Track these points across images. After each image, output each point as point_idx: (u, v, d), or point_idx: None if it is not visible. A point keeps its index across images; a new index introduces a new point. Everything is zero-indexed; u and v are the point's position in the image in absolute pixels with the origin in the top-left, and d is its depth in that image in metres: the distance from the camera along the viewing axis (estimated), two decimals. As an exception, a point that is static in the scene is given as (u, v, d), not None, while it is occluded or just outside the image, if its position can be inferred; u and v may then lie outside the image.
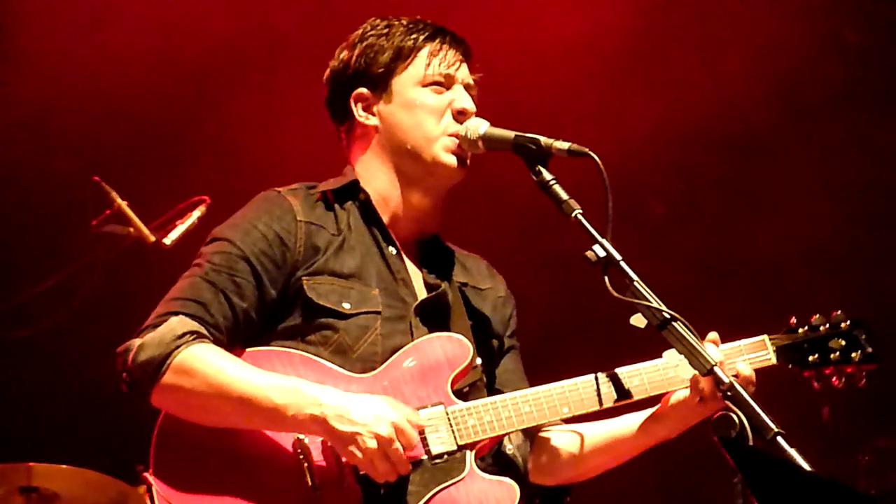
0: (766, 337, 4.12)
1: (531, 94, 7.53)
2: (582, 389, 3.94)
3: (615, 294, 3.59)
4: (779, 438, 3.25)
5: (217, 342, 3.81)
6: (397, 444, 3.68)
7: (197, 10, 7.41)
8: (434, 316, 4.04)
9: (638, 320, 3.62)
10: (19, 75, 7.37)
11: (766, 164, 7.82)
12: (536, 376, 4.10)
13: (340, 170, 4.19)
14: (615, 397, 3.95)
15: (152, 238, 6.28)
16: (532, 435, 4.16)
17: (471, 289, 4.23)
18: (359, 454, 3.67)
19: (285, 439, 3.78)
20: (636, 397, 3.96)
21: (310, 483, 3.73)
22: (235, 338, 3.86)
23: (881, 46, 7.65)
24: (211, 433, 3.76)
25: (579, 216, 3.72)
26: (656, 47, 7.69)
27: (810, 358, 4.12)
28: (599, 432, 4.10)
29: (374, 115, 4.12)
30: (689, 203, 7.91)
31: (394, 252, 4.07)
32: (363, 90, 4.13)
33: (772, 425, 3.27)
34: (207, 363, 3.73)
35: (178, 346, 3.74)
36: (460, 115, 4.06)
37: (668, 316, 3.56)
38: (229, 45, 7.46)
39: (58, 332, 7.09)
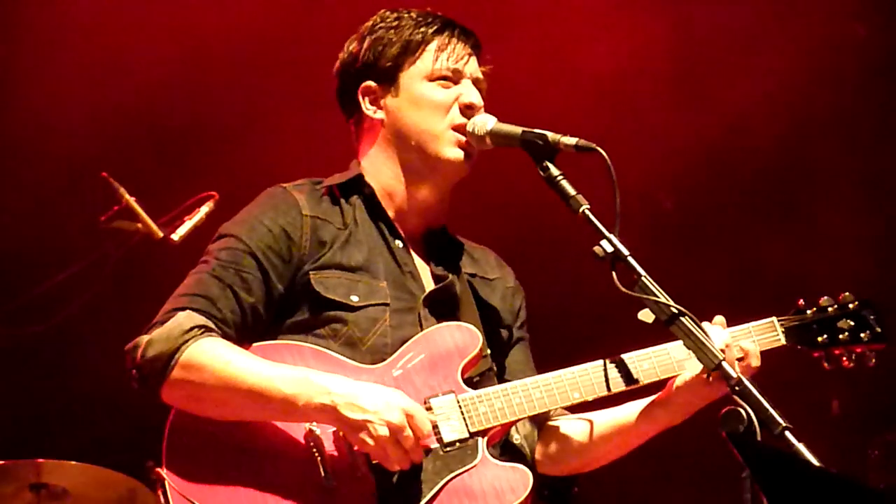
0: (774, 319, 4.12)
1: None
2: (592, 375, 3.94)
3: (623, 289, 3.60)
4: (787, 433, 3.25)
5: (225, 337, 3.82)
6: (409, 432, 3.69)
7: (204, 8, 7.41)
8: (443, 307, 4.05)
9: (646, 315, 3.63)
10: (27, 72, 7.39)
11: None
12: (547, 364, 4.11)
13: (347, 166, 4.19)
14: (625, 382, 3.95)
15: (160, 234, 6.29)
16: (539, 424, 4.17)
17: (479, 279, 4.24)
18: (370, 442, 3.68)
19: (297, 430, 3.78)
20: (645, 381, 3.97)
21: (323, 473, 3.73)
22: (244, 333, 3.88)
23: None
24: (222, 427, 3.77)
25: (587, 212, 3.72)
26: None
27: (819, 338, 4.13)
28: (605, 420, 4.10)
29: (381, 108, 4.13)
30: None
31: (400, 246, 4.08)
32: (371, 83, 4.14)
33: (780, 420, 3.27)
34: (216, 356, 3.75)
35: (186, 341, 3.76)
36: (467, 110, 4.06)
37: (675, 311, 3.56)
38: (237, 42, 7.46)
39: (67, 329, 7.10)
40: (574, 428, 4.15)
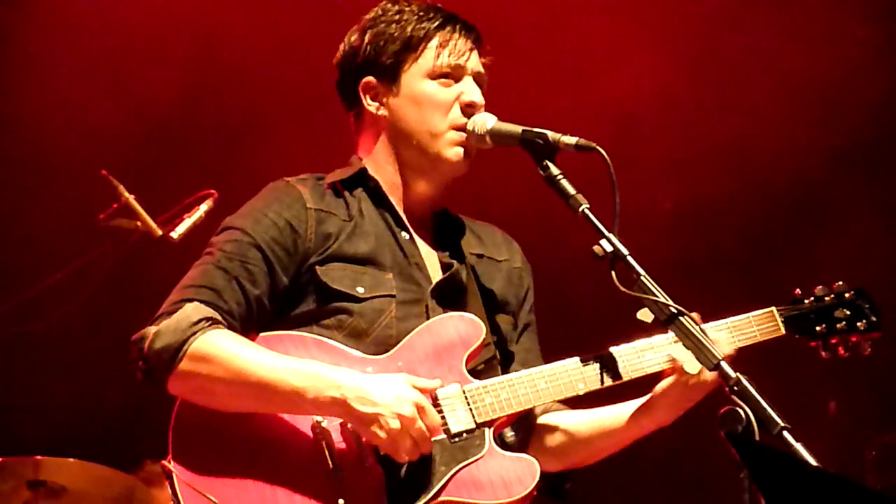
0: (774, 308, 4.14)
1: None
2: (597, 364, 3.95)
3: (622, 289, 3.59)
4: (785, 433, 3.25)
5: (231, 328, 3.82)
6: (420, 423, 3.70)
7: (203, 6, 7.41)
8: (450, 296, 4.06)
9: (645, 315, 3.62)
10: (28, 70, 7.39)
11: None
12: (550, 357, 4.12)
13: (346, 162, 4.19)
14: (630, 372, 3.96)
15: (160, 232, 6.29)
16: (532, 421, 4.17)
17: (486, 260, 4.24)
18: (382, 434, 3.68)
19: (303, 423, 3.79)
20: (650, 371, 3.97)
21: (331, 465, 3.73)
22: (248, 324, 3.87)
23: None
24: (228, 419, 3.77)
25: (587, 211, 3.72)
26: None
27: (818, 328, 4.16)
28: (598, 418, 4.11)
29: (382, 105, 4.13)
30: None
31: (406, 237, 4.08)
32: (372, 79, 4.13)
33: (778, 420, 3.27)
34: (224, 348, 3.74)
35: (194, 333, 3.75)
36: (469, 109, 4.06)
37: (674, 311, 3.56)
38: (236, 40, 7.47)
39: (66, 327, 7.11)
40: (567, 424, 4.16)
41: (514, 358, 4.16)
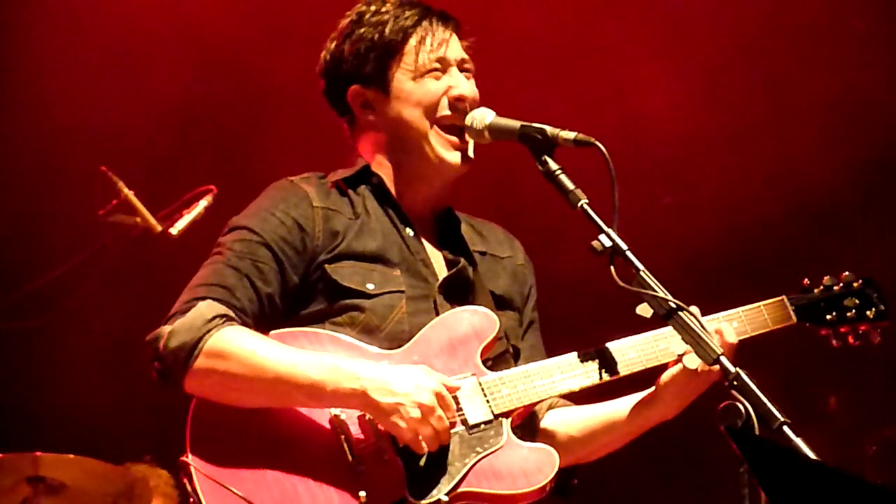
0: (784, 297, 4.16)
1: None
2: (612, 354, 3.96)
3: (621, 283, 3.59)
4: (785, 428, 3.25)
5: (244, 325, 3.82)
6: (440, 412, 3.71)
7: (206, 3, 7.42)
8: (457, 292, 4.06)
9: (644, 310, 3.62)
10: (27, 66, 7.39)
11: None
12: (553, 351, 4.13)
13: (347, 161, 4.19)
14: (646, 361, 3.97)
15: (159, 228, 6.30)
16: (535, 416, 4.17)
17: (490, 257, 4.24)
18: (403, 424, 3.69)
19: (320, 416, 3.79)
20: (664, 360, 3.97)
21: (350, 458, 3.74)
22: (260, 322, 3.87)
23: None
24: (245, 415, 3.77)
25: (585, 206, 3.71)
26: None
27: (828, 316, 4.18)
28: (600, 413, 4.12)
29: (372, 111, 4.11)
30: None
31: (411, 234, 4.08)
32: (358, 87, 4.12)
33: (778, 415, 3.27)
34: (240, 344, 3.74)
35: (209, 330, 3.74)
36: (458, 102, 4.05)
37: (673, 305, 3.56)
38: (234, 37, 7.47)
39: (65, 322, 7.10)
40: (572, 419, 4.17)
41: (521, 355, 4.16)
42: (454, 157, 4.06)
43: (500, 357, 4.04)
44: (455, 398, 3.82)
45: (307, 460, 3.74)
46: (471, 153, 4.08)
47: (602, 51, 7.64)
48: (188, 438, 3.74)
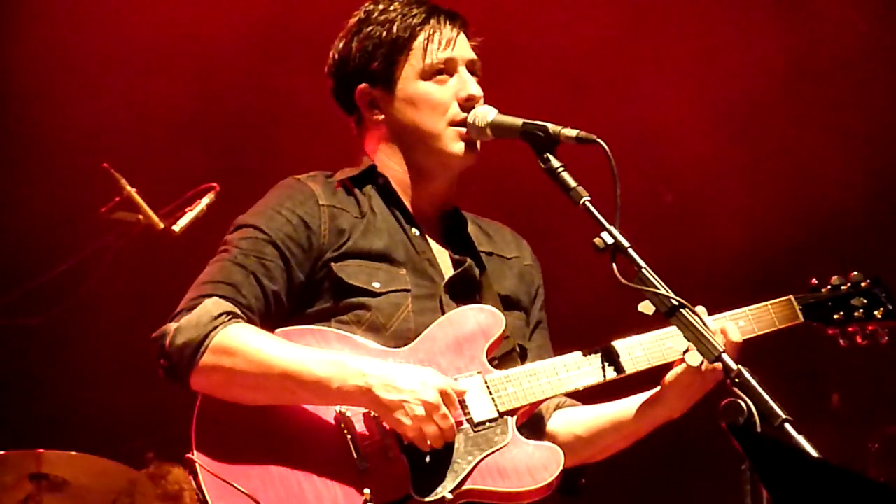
0: (792, 297, 4.16)
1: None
2: (618, 353, 3.97)
3: (623, 281, 3.59)
4: (787, 425, 3.24)
5: (250, 323, 3.82)
6: (444, 410, 3.71)
7: (206, 3, 7.43)
8: (463, 292, 4.06)
9: (646, 307, 3.62)
10: (29, 62, 7.39)
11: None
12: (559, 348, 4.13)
13: (352, 160, 4.19)
14: (651, 360, 3.98)
15: (161, 225, 6.29)
16: (542, 416, 4.17)
17: (496, 258, 4.24)
18: (407, 421, 3.69)
19: (326, 413, 3.79)
20: (670, 359, 3.98)
21: (355, 455, 3.74)
22: (266, 320, 3.87)
23: None
24: (250, 412, 3.77)
25: (587, 203, 3.71)
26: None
27: (835, 316, 4.19)
28: (609, 412, 4.12)
29: (380, 111, 4.11)
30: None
31: (417, 233, 4.08)
32: (366, 86, 4.12)
33: (780, 412, 3.27)
34: (247, 341, 3.75)
35: (215, 327, 3.75)
36: (467, 103, 4.05)
37: (675, 303, 3.56)
38: (236, 36, 7.47)
39: (67, 319, 7.11)
40: (579, 419, 4.17)
41: (528, 355, 4.16)
42: (459, 148, 4.05)
43: (506, 356, 4.04)
44: (460, 396, 3.82)
45: (312, 457, 3.74)
46: (477, 144, 4.08)
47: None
48: (194, 435, 3.75)
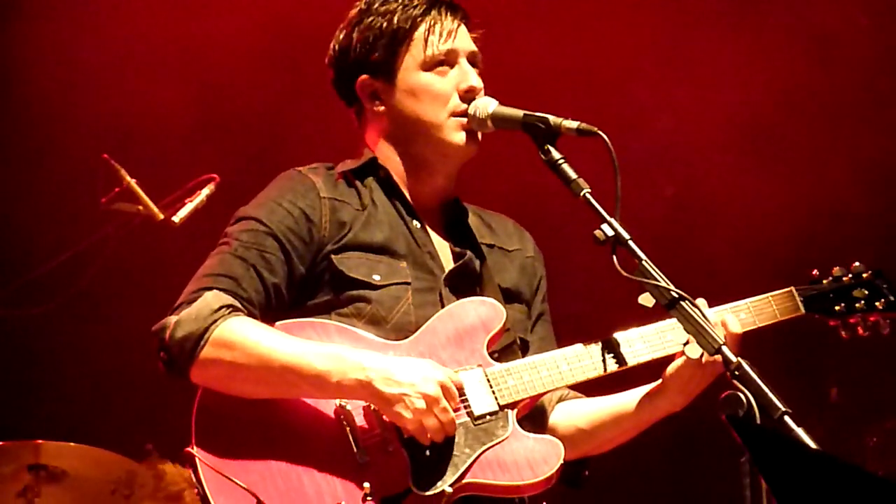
0: (793, 288, 4.16)
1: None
2: (618, 346, 3.97)
3: (623, 273, 3.60)
4: (786, 418, 3.25)
5: (250, 316, 3.82)
6: (445, 403, 3.72)
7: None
8: (464, 285, 4.06)
9: (646, 299, 3.62)
10: (32, 53, 7.39)
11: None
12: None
13: (353, 151, 4.19)
14: (652, 352, 3.98)
15: (161, 216, 6.28)
16: (545, 409, 4.17)
17: (497, 250, 4.24)
18: (407, 415, 3.70)
19: (326, 407, 3.79)
20: (671, 351, 3.98)
21: (355, 449, 3.74)
22: (267, 313, 3.88)
23: None
24: (250, 406, 3.78)
25: (588, 195, 3.71)
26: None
27: (837, 307, 4.19)
28: (611, 404, 4.12)
29: (381, 102, 4.12)
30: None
31: (418, 226, 4.09)
32: (367, 77, 4.12)
33: (779, 404, 3.27)
34: (247, 334, 3.75)
35: (215, 320, 3.76)
36: (468, 94, 4.05)
37: (675, 295, 3.56)
38: (238, 27, 7.47)
39: (66, 310, 7.10)
40: (581, 412, 4.17)
41: (530, 347, 4.16)
42: (460, 139, 4.05)
43: (506, 349, 4.04)
44: (460, 389, 3.82)
45: (312, 451, 3.75)
46: (478, 135, 4.07)
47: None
48: (193, 429, 3.75)
